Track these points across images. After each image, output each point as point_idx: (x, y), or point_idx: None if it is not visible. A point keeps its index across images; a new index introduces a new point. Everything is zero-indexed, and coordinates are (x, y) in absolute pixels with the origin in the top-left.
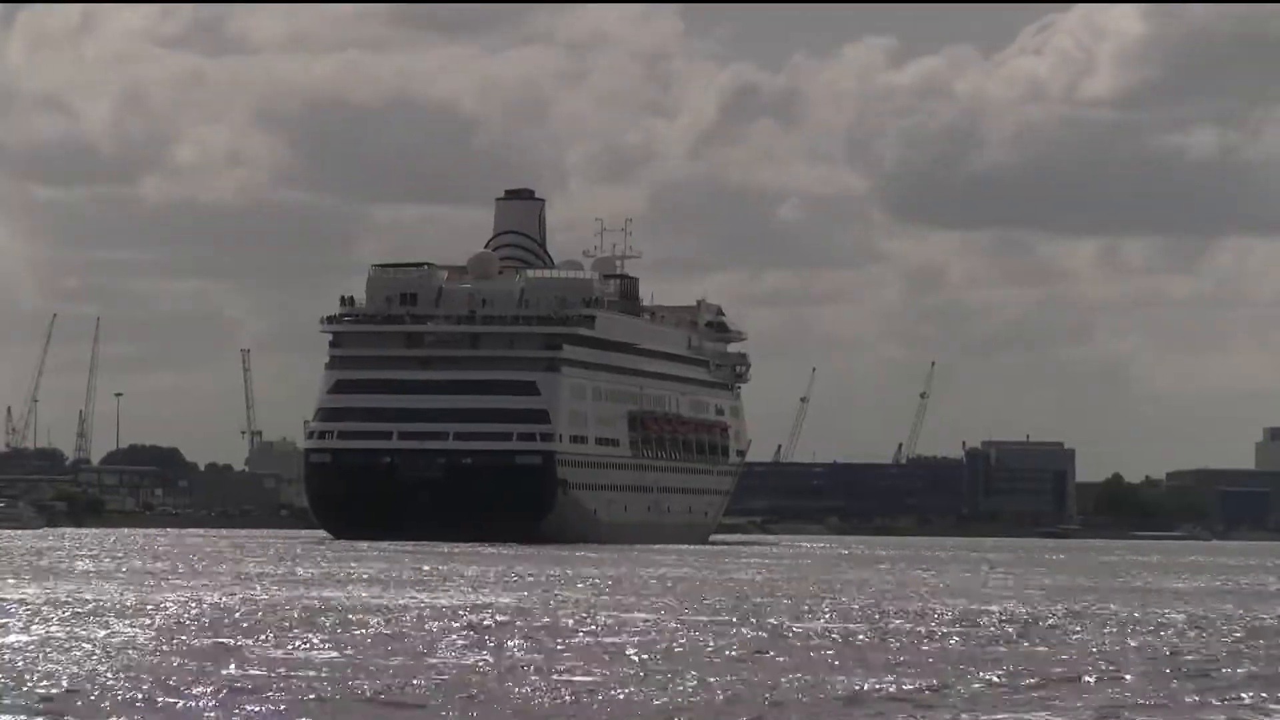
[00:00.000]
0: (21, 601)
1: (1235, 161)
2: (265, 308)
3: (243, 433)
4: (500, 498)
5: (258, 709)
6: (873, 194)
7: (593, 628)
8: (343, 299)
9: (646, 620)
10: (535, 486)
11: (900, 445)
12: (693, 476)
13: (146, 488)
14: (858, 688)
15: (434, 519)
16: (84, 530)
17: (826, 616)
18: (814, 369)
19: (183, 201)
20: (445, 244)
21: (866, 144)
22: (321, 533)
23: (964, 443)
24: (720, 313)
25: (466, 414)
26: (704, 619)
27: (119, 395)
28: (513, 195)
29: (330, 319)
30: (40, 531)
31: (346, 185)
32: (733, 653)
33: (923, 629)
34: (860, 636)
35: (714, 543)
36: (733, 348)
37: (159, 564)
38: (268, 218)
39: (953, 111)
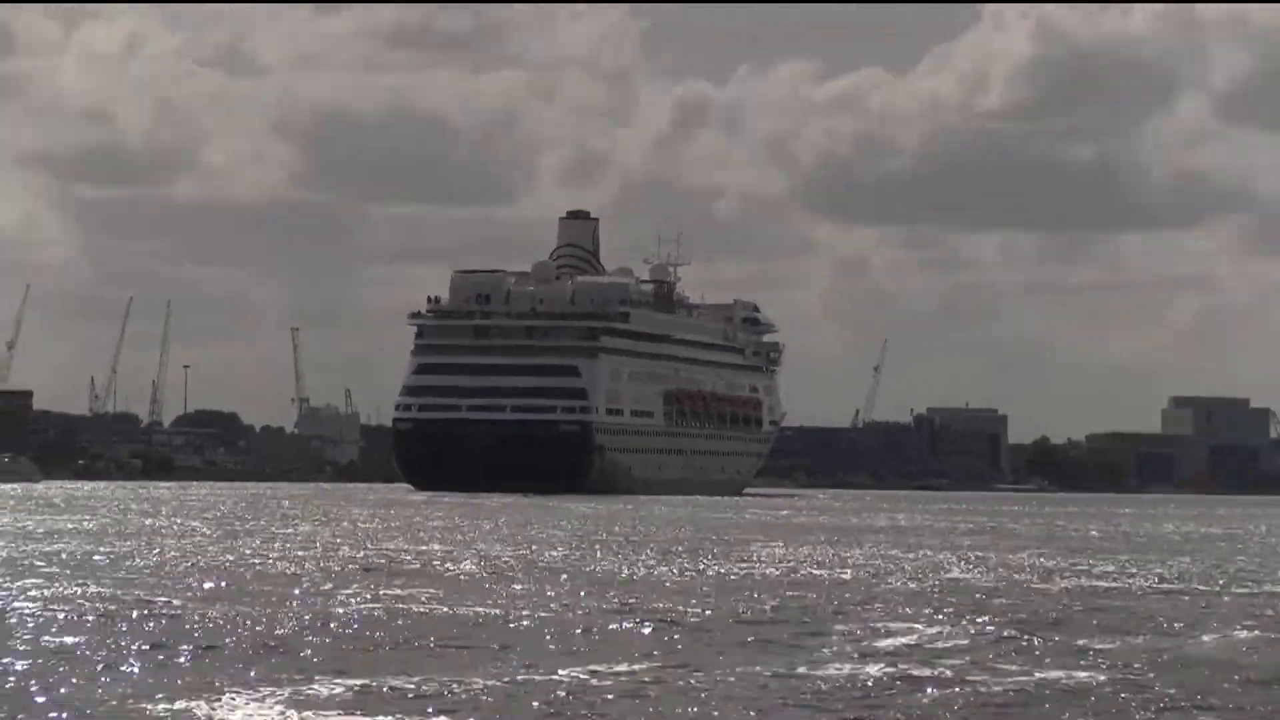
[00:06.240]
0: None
1: (1109, 166)
2: (290, 290)
3: (292, 399)
4: (548, 459)
5: None
6: (796, 193)
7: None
8: (429, 298)
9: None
10: (576, 450)
11: (857, 411)
12: (726, 442)
13: (210, 447)
14: None
15: (495, 475)
16: (90, 484)
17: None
18: (783, 345)
19: (211, 199)
20: (438, 239)
21: (793, 149)
22: (407, 486)
23: (912, 409)
24: (755, 309)
25: (521, 391)
26: None
27: (187, 367)
28: (573, 215)
29: (415, 315)
30: (42, 484)
31: (350, 186)
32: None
33: None
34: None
35: (746, 494)
36: (767, 338)
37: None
38: (284, 214)
39: (867, 122)
